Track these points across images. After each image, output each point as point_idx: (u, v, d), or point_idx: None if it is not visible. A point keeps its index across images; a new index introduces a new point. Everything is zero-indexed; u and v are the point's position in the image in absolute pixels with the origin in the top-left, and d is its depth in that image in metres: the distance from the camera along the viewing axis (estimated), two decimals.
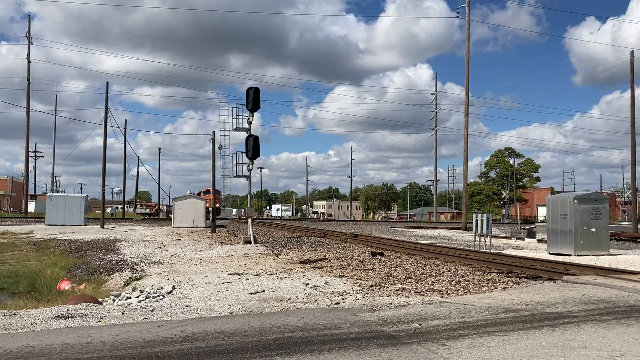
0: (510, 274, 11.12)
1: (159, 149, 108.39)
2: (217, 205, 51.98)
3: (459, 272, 11.54)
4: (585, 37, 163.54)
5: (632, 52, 36.38)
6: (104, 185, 37.87)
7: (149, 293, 9.17)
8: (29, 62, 54.76)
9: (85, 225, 35.65)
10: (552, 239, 17.19)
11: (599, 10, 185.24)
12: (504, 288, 9.35)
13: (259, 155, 20.89)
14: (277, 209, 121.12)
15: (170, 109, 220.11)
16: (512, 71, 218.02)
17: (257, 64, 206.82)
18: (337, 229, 32.67)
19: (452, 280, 10.22)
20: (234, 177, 22.33)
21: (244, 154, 20.78)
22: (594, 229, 16.31)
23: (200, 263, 14.27)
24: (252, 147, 20.22)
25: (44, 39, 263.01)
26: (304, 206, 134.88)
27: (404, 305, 7.33)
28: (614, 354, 4.88)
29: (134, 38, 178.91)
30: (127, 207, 76.46)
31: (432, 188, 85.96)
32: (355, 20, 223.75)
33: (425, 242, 22.49)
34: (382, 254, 15.14)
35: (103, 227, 33.44)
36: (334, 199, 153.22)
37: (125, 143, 56.09)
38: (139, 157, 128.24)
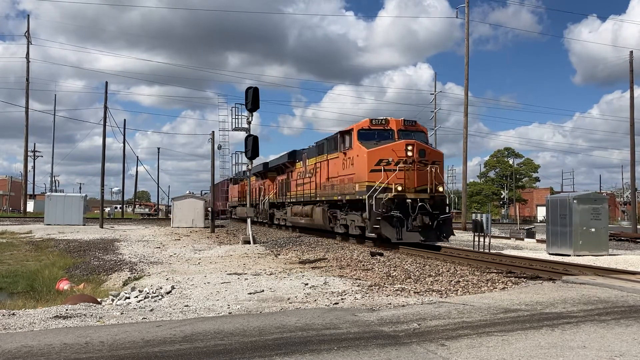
0: (509, 274, 11.13)
1: (158, 148, 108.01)
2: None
3: (458, 272, 11.53)
4: (585, 36, 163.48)
5: (631, 52, 36.41)
6: (102, 185, 37.91)
7: (147, 293, 9.16)
8: (28, 61, 54.61)
9: (84, 225, 35.66)
10: (552, 239, 17.19)
11: (599, 10, 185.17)
12: (503, 288, 9.35)
13: (258, 155, 20.88)
14: None
15: (168, 108, 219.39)
16: (512, 70, 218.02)
17: (256, 62, 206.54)
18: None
19: (451, 280, 10.21)
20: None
21: (243, 154, 20.78)
22: (593, 229, 16.30)
23: (199, 263, 14.26)
24: (252, 147, 20.23)
25: (39, 37, 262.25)
26: None
27: (403, 305, 7.32)
28: (613, 354, 4.88)
29: (131, 37, 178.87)
30: (126, 207, 76.48)
31: None
32: (354, 18, 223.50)
33: None
34: (381, 254, 15.13)
35: (102, 227, 33.44)
36: None
37: (124, 143, 56.00)
38: (137, 157, 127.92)
